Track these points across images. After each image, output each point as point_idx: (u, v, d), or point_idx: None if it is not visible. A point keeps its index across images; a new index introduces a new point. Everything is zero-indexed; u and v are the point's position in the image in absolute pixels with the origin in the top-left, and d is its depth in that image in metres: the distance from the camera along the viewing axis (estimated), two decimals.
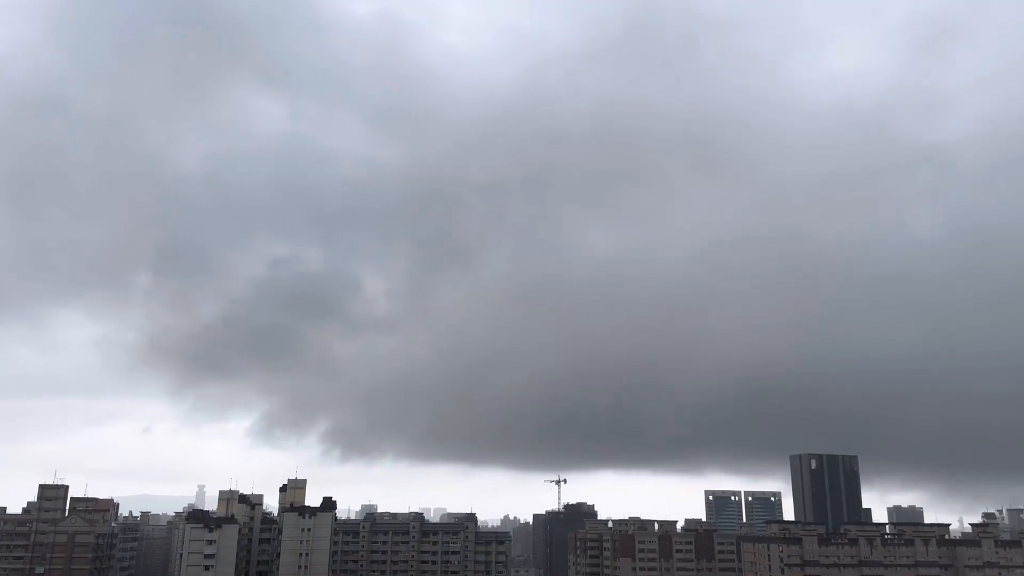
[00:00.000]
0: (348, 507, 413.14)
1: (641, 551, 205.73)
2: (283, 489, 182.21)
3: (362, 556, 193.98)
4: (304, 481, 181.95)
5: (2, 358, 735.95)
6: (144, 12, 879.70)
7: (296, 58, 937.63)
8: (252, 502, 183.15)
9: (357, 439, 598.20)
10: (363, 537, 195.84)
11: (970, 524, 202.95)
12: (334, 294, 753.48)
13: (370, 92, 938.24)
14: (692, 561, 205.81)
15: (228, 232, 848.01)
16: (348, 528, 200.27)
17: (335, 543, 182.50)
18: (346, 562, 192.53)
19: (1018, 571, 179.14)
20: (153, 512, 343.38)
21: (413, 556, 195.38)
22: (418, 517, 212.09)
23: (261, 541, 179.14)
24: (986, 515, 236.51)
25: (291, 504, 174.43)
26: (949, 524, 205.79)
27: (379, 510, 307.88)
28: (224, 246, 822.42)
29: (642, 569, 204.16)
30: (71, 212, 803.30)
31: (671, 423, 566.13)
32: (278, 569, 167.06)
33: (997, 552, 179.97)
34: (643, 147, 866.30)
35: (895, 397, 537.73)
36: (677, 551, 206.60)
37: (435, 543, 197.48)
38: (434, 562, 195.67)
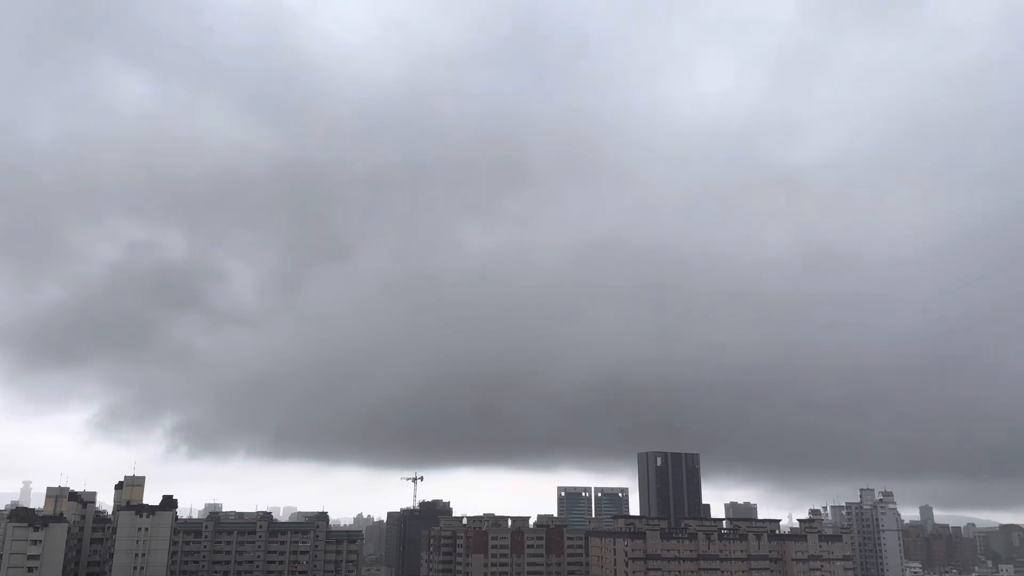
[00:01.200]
0: (191, 506, 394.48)
1: (494, 547, 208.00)
2: (119, 486, 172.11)
3: (204, 557, 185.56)
4: (142, 478, 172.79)
5: None
6: None
7: (165, 36, 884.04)
8: (84, 500, 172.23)
9: (207, 435, 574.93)
10: (206, 537, 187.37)
11: (798, 520, 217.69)
12: (196, 284, 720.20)
13: (246, 77, 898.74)
14: (542, 556, 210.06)
15: (79, 213, 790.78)
16: (190, 528, 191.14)
17: (175, 543, 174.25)
18: (187, 563, 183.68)
19: (838, 563, 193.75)
20: None
21: (259, 556, 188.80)
22: (266, 516, 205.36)
23: (93, 541, 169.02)
24: (812, 511, 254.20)
25: (128, 502, 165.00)
26: (780, 520, 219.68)
27: (225, 509, 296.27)
28: (73, 227, 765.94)
29: (494, 565, 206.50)
30: None
31: (531, 421, 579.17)
32: (111, 570, 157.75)
33: (820, 546, 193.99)
34: (522, 150, 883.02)
35: (737, 401, 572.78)
36: (528, 546, 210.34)
37: (283, 543, 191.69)
38: (281, 562, 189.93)
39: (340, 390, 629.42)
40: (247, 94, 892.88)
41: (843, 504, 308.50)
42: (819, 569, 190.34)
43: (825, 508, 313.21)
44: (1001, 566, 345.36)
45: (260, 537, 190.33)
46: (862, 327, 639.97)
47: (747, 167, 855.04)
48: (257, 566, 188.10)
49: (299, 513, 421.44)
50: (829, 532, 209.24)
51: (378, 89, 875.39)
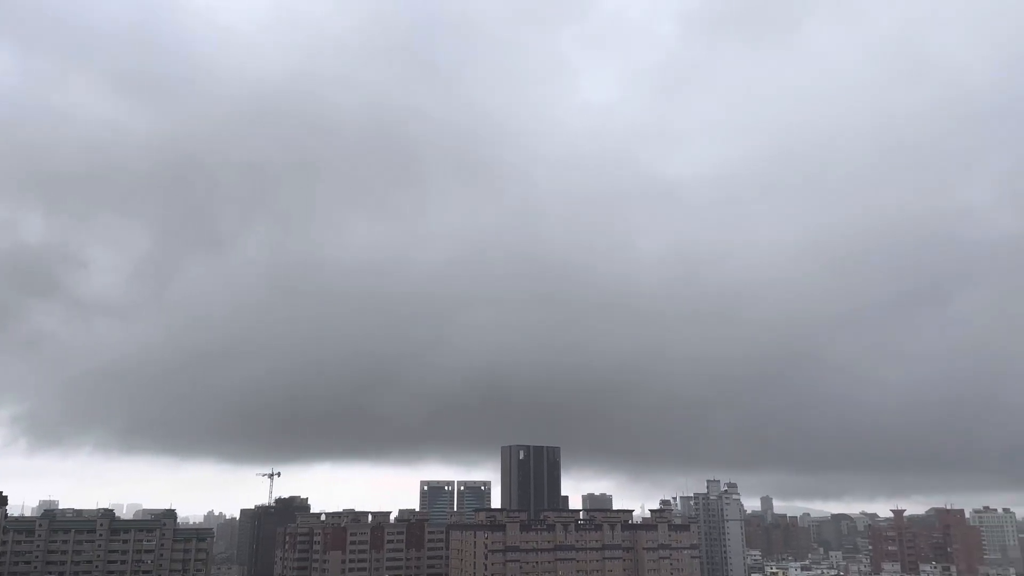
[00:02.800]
0: (23, 503, 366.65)
1: (352, 543, 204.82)
2: None
3: (37, 557, 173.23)
4: None
5: None
6: None
7: (31, 4, 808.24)
8: None
9: (50, 428, 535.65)
10: (39, 536, 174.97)
11: (650, 510, 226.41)
12: (53, 267, 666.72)
13: (122, 53, 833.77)
14: (402, 551, 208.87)
15: None
16: (21, 526, 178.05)
17: (4, 543, 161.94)
18: (17, 564, 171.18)
19: (685, 552, 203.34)
20: None
21: (100, 556, 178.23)
22: (107, 514, 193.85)
23: None
24: (663, 502, 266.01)
25: None
26: (633, 510, 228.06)
27: (63, 506, 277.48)
28: None
29: (352, 561, 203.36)
30: None
31: (398, 417, 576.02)
32: None
33: (670, 535, 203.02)
34: (410, 147, 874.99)
35: (601, 398, 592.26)
36: (388, 541, 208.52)
37: (126, 542, 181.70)
38: (124, 562, 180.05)
39: (200, 384, 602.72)
40: (122, 71, 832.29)
41: (691, 495, 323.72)
42: (668, 558, 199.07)
43: (675, 499, 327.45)
44: (831, 553, 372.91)
45: (101, 536, 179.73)
46: (720, 331, 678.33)
47: (627, 176, 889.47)
48: (97, 566, 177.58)
49: (145, 511, 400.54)
50: (678, 522, 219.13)
51: (267, 76, 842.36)
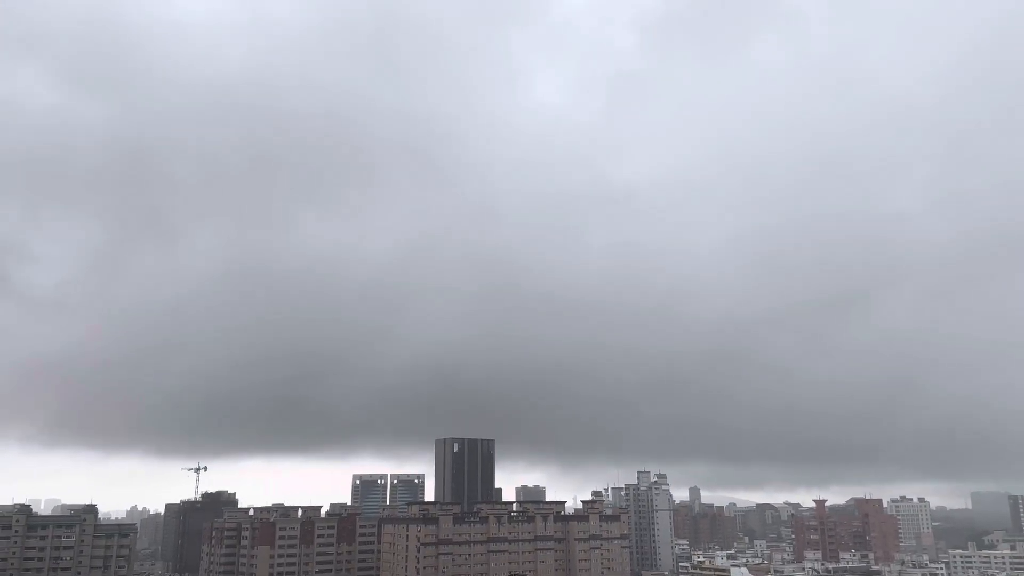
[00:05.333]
0: None
1: (281, 538, 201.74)
2: None
3: None
4: None
5: None
6: None
7: None
8: None
9: None
10: None
11: (582, 501, 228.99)
12: None
13: (69, 41, 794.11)
14: (333, 545, 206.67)
15: None
16: None
17: None
18: None
19: (616, 541, 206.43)
20: None
21: (15, 554, 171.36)
22: (24, 509, 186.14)
23: None
24: (595, 493, 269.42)
25: None
26: (565, 501, 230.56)
27: None
28: None
29: (281, 556, 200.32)
30: None
31: (333, 411, 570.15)
32: None
33: (601, 526, 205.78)
34: (364, 145, 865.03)
35: (538, 392, 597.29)
36: (319, 536, 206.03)
37: (43, 538, 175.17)
38: (41, 559, 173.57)
39: (133, 378, 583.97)
40: (70, 59, 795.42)
41: (622, 486, 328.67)
42: (599, 548, 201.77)
43: (606, 490, 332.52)
44: (756, 541, 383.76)
45: (16, 532, 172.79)
46: (657, 328, 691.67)
47: (577, 177, 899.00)
48: (12, 563, 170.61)
49: (64, 506, 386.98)
50: (609, 512, 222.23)
51: (223, 70, 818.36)
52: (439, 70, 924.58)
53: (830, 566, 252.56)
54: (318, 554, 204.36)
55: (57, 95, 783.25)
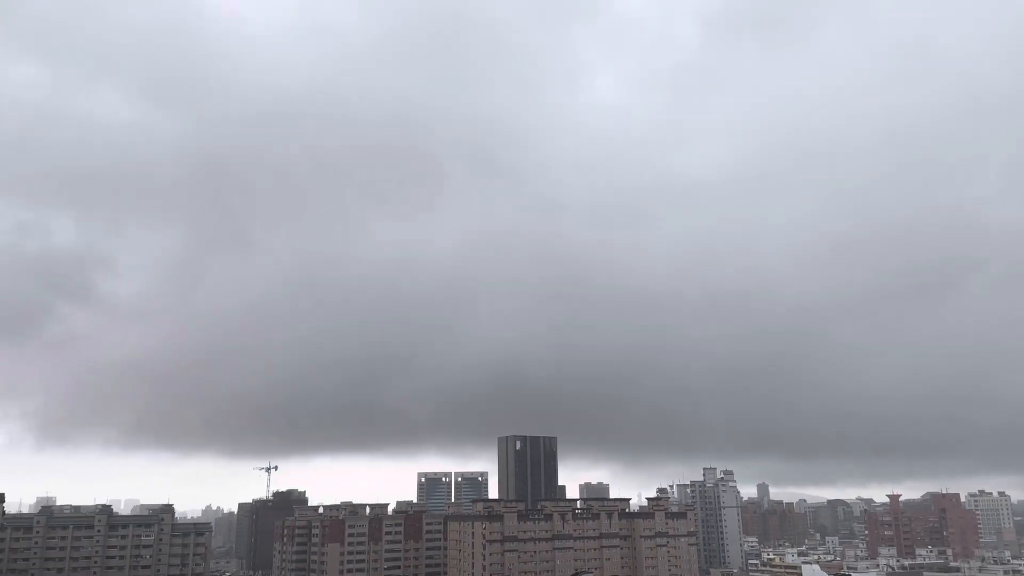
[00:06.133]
0: (20, 500, 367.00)
1: (351, 536, 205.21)
2: None
3: (35, 554, 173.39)
4: None
5: None
6: None
7: (57, 16, 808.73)
8: None
9: (59, 426, 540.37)
10: (37, 532, 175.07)
11: (647, 498, 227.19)
12: (82, 269, 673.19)
13: (148, 60, 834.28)
14: (400, 542, 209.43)
15: None
16: (19, 523, 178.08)
17: (2, 540, 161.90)
18: (16, 560, 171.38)
19: (683, 539, 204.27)
20: None
21: (98, 552, 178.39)
22: (105, 509, 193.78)
23: None
24: (659, 490, 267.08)
25: None
26: (630, 499, 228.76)
27: (60, 503, 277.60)
28: None
29: (351, 553, 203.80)
30: None
31: (399, 410, 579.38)
32: None
33: (667, 523, 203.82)
34: (429, 149, 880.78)
35: (599, 387, 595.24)
36: (387, 533, 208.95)
37: (124, 537, 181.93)
38: (122, 557, 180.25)
39: (208, 381, 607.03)
40: (148, 77, 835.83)
41: (688, 483, 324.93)
42: (665, 545, 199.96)
43: (671, 487, 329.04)
44: (828, 538, 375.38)
45: (99, 532, 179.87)
46: (725, 323, 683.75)
47: (642, 174, 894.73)
48: (95, 562, 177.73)
49: (143, 506, 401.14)
50: (675, 510, 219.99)
51: (292, 81, 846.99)
52: (501, 71, 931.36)
53: (906, 562, 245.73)
54: (386, 551, 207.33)
55: (135, 111, 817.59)
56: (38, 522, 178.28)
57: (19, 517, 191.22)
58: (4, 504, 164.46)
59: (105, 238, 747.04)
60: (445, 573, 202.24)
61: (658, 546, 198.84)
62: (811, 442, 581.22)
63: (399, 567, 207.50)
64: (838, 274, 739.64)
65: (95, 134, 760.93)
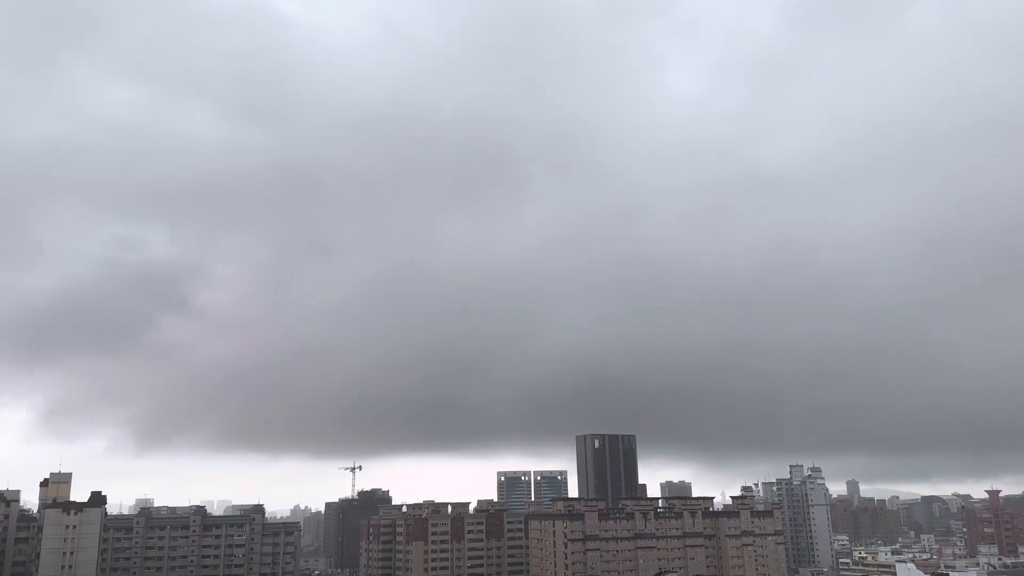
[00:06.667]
0: (121, 502, 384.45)
1: (434, 534, 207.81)
2: (44, 484, 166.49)
3: (136, 553, 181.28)
4: (69, 475, 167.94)
5: None
6: None
7: (149, 40, 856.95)
8: (8, 499, 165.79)
9: (156, 431, 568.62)
10: (137, 533, 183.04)
11: (731, 497, 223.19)
12: (177, 281, 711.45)
13: (233, 79, 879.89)
14: (482, 541, 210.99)
15: (64, 213, 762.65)
16: (120, 524, 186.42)
17: (105, 540, 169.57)
18: (118, 560, 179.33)
19: (770, 538, 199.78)
20: None
21: (193, 551, 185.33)
22: (199, 510, 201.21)
23: (18, 540, 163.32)
24: (744, 488, 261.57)
25: (54, 500, 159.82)
26: (713, 497, 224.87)
27: (157, 504, 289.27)
28: (56, 227, 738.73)
29: (434, 552, 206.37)
30: None
31: (477, 409, 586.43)
32: (38, 570, 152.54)
33: (753, 521, 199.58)
34: (504, 151, 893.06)
35: (678, 384, 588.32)
36: (469, 532, 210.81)
37: (218, 536, 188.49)
38: (217, 556, 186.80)
39: (295, 385, 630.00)
40: (234, 95, 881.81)
41: (773, 480, 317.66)
42: (751, 544, 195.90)
43: (756, 485, 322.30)
44: (923, 536, 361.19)
45: (194, 531, 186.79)
46: (810, 317, 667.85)
47: (720, 166, 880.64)
48: (191, 560, 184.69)
49: (234, 506, 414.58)
50: (760, 508, 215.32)
51: (370, 93, 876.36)
52: (575, 70, 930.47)
53: (1008, 561, 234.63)
54: (469, 549, 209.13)
55: (225, 128, 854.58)
56: (138, 523, 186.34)
57: (120, 518, 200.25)
58: (106, 506, 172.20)
59: (199, 250, 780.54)
60: (528, 572, 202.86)
61: (744, 545, 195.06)
62: (903, 437, 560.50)
63: (482, 565, 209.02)
64: (931, 265, 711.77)
65: (188, 151, 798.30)
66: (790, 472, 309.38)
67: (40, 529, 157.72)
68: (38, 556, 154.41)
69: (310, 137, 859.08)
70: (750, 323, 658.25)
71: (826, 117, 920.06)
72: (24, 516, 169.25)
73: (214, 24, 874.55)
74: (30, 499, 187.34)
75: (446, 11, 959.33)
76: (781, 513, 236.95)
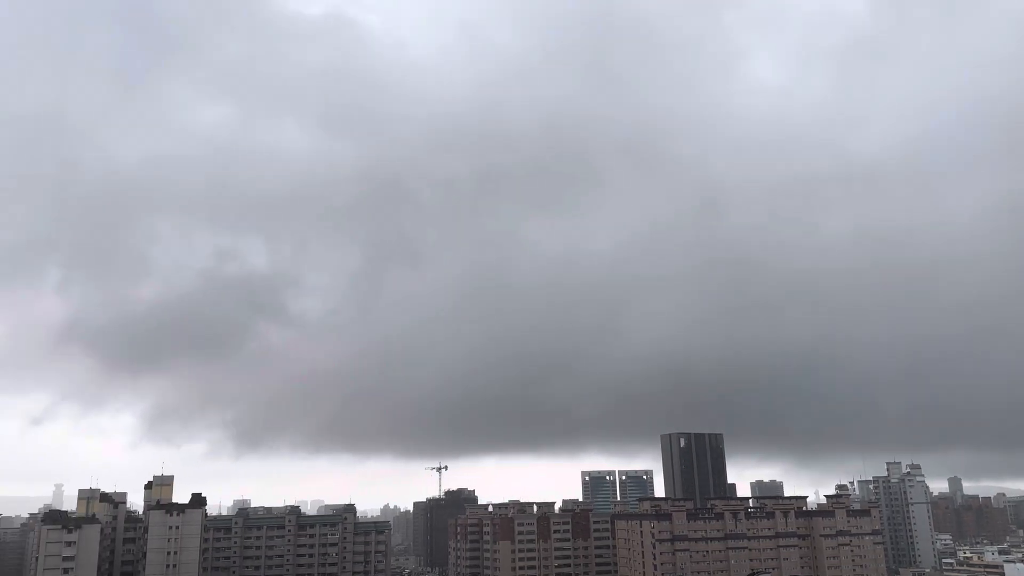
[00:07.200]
0: (219, 503, 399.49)
1: (520, 533, 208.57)
2: (148, 486, 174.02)
3: (235, 552, 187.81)
4: (171, 477, 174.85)
5: None
6: (83, 14, 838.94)
7: (243, 59, 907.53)
8: (115, 500, 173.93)
9: (254, 434, 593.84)
10: (236, 533, 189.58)
11: (825, 496, 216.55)
12: (273, 289, 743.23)
13: (321, 93, 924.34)
14: (569, 540, 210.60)
15: (166, 227, 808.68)
16: (219, 524, 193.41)
17: (206, 540, 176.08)
18: (218, 559, 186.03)
19: (867, 537, 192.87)
20: (5, 514, 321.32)
21: (289, 550, 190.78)
22: (294, 510, 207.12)
23: (125, 541, 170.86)
24: (839, 487, 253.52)
25: (157, 501, 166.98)
26: (806, 496, 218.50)
27: (254, 505, 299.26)
28: (159, 240, 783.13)
29: (521, 551, 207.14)
30: None
31: (560, 409, 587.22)
32: (144, 569, 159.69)
33: (849, 521, 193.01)
34: (587, 151, 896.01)
35: (766, 381, 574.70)
36: (555, 531, 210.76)
37: (312, 536, 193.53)
38: (311, 555, 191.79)
39: (383, 388, 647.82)
40: (322, 108, 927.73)
41: (870, 478, 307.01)
42: (848, 544, 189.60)
43: (852, 483, 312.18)
44: None
45: (289, 531, 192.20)
46: (907, 310, 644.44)
47: (811, 158, 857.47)
48: (287, 559, 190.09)
49: (327, 506, 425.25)
50: (857, 507, 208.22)
51: (452, 99, 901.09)
52: (654, 66, 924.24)
53: None
54: (556, 549, 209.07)
55: (315, 141, 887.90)
56: (236, 523, 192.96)
57: (219, 519, 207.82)
58: (206, 507, 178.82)
59: (293, 259, 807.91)
60: (615, 572, 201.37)
61: (840, 545, 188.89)
62: (1009, 431, 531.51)
63: (569, 565, 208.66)
64: None
65: (280, 163, 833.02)
66: (887, 469, 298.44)
67: (145, 530, 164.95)
68: (144, 555, 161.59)
69: (396, 146, 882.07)
70: (843, 317, 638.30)
71: (920, 102, 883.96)
72: (130, 517, 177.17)
73: (300, 41, 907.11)
74: (135, 501, 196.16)
75: (524, 14, 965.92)
76: (879, 512, 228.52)
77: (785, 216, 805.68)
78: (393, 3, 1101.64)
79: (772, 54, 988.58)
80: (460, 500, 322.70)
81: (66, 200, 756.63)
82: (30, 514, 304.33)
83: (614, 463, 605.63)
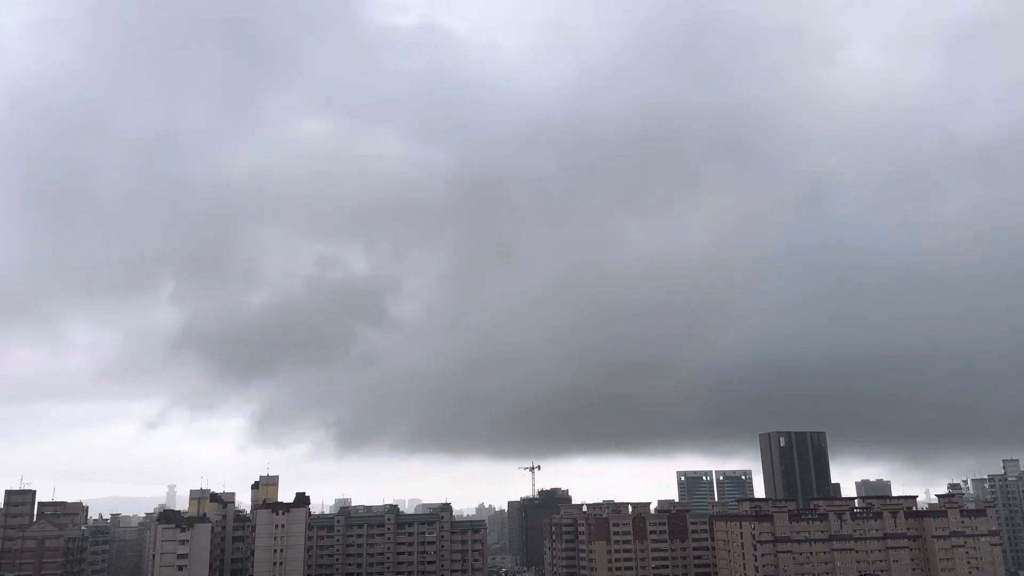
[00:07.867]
0: (322, 502, 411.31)
1: (616, 534, 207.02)
2: (255, 486, 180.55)
3: (337, 550, 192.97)
4: (276, 478, 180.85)
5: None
6: (188, 36, 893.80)
7: (340, 73, 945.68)
8: (224, 500, 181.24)
9: (355, 435, 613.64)
10: (338, 531, 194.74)
11: (936, 495, 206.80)
12: (374, 294, 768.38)
13: (416, 102, 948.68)
14: (666, 542, 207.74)
15: (272, 238, 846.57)
16: (322, 523, 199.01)
17: (310, 538, 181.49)
18: (321, 556, 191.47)
19: (983, 539, 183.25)
20: (124, 514, 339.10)
21: (389, 548, 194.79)
22: (393, 509, 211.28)
23: (235, 539, 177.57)
24: (951, 486, 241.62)
25: (264, 501, 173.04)
26: (916, 496, 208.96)
27: (354, 504, 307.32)
28: (266, 250, 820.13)
29: (617, 551, 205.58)
30: (101, 226, 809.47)
31: (655, 408, 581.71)
32: (253, 566, 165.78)
33: (963, 521, 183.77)
34: (681, 146, 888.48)
35: (872, 377, 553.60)
36: (651, 532, 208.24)
37: (411, 534, 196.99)
38: (410, 553, 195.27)
39: (478, 388, 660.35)
40: (416, 116, 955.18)
41: (985, 477, 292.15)
42: (963, 546, 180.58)
43: (965, 482, 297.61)
44: None
45: (388, 529, 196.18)
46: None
47: (918, 145, 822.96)
48: (388, 557, 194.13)
49: (423, 505, 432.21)
50: (971, 507, 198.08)
51: (542, 100, 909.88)
52: (748, 57, 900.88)
53: None
54: (652, 550, 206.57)
55: (410, 148, 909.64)
56: (338, 522, 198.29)
57: (322, 517, 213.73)
58: (309, 506, 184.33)
59: (392, 264, 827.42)
60: (715, 574, 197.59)
61: (954, 547, 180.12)
62: None
63: (667, 566, 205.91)
64: None
65: (377, 171, 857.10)
66: (1004, 467, 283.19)
67: (253, 528, 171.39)
68: (252, 553, 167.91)
69: (488, 148, 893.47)
70: (953, 308, 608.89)
71: None
72: (239, 516, 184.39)
73: (393, 52, 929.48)
74: (243, 500, 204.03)
75: (612, 11, 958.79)
76: (995, 512, 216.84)
77: (891, 206, 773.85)
78: (481, 7, 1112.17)
79: (873, 39, 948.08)
80: (554, 500, 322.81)
81: (179, 214, 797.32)
82: (146, 514, 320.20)
83: (710, 463, 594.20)
